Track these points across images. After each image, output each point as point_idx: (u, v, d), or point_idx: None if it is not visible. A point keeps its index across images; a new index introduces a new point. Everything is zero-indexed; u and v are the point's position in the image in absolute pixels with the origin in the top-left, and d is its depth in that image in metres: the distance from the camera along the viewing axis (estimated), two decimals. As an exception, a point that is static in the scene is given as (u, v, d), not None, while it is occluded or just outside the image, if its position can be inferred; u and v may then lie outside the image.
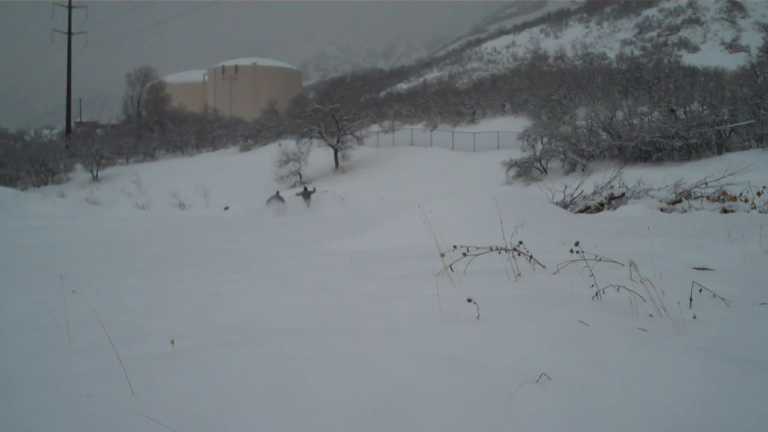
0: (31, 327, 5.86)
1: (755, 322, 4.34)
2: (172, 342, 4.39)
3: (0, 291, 8.42)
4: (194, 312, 6.07)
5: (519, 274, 6.15)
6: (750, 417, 3.05)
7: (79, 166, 70.70)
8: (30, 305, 7.13)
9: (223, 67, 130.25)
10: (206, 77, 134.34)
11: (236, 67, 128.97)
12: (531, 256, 6.59)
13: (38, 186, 66.26)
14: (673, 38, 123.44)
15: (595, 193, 21.09)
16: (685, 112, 41.66)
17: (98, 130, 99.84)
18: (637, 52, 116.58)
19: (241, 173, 59.45)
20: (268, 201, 34.69)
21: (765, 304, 4.73)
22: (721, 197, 18.09)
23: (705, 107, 40.98)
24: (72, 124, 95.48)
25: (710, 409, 3.13)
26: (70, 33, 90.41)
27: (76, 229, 19.36)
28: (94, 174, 67.74)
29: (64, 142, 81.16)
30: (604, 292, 5.04)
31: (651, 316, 4.51)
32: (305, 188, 35.87)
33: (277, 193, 36.57)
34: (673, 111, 42.20)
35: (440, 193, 19.87)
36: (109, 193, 53.91)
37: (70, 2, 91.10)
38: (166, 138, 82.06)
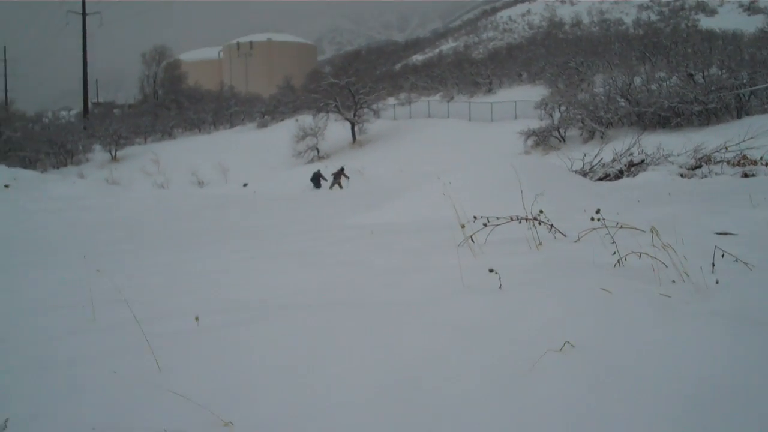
0: (56, 307, 5.91)
1: (778, 286, 4.32)
2: (197, 319, 4.42)
3: (24, 272, 8.49)
4: (216, 288, 6.10)
5: (540, 243, 6.13)
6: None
7: (97, 147, 70.93)
8: (54, 285, 7.18)
9: (238, 43, 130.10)
10: (221, 54, 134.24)
11: (251, 43, 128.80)
12: (552, 225, 6.58)
13: (57, 167, 66.51)
14: (690, 2, 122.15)
15: (614, 160, 20.96)
16: (703, 77, 41.30)
17: (115, 111, 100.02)
18: (654, 17, 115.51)
19: (258, 150, 59.46)
20: (312, 179, 34.87)
21: (788, 267, 4.70)
22: (742, 161, 17.93)
23: (724, 71, 40.59)
24: (89, 104, 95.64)
25: (734, 374, 3.12)
26: (84, 13, 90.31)
27: (96, 210, 19.46)
28: (113, 154, 67.95)
29: (82, 123, 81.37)
30: (626, 259, 5.02)
31: (673, 282, 4.49)
32: (317, 172, 35.79)
33: (319, 171, 36.51)
34: (691, 76, 41.85)
35: (458, 164, 19.80)
36: (128, 173, 54.09)
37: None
38: (183, 116, 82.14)
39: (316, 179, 35.71)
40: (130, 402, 3.39)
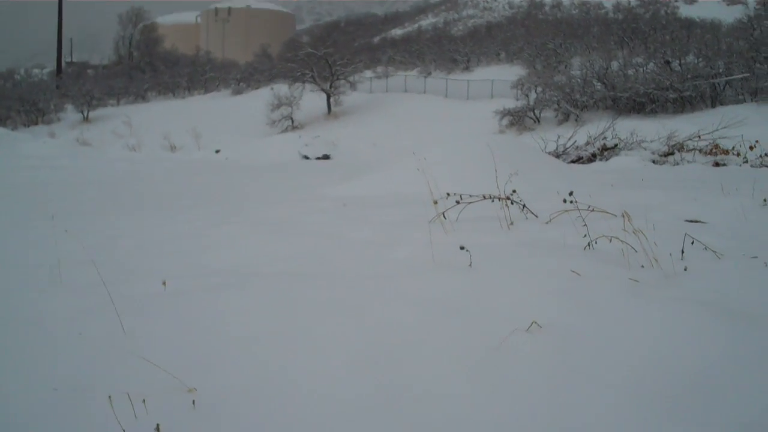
0: (23, 266, 5.86)
1: (746, 275, 4.37)
2: (164, 283, 4.40)
3: (-9, 230, 8.40)
4: (186, 254, 6.08)
5: (511, 223, 6.16)
6: (735, 362, 3.09)
7: (69, 107, 70.17)
8: (22, 244, 7.12)
9: (216, 8, 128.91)
10: (199, 19, 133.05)
11: (229, 9, 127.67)
12: (524, 205, 6.60)
13: (28, 126, 65.74)
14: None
15: (587, 143, 21.08)
16: (680, 64, 41.47)
17: (89, 71, 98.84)
18: (633, 3, 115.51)
19: (232, 117, 59.08)
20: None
21: (756, 257, 4.75)
22: (714, 150, 18.09)
23: (700, 60, 40.75)
24: (63, 63, 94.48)
25: (699, 359, 3.16)
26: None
27: (67, 170, 19.27)
28: (85, 115, 67.24)
29: (55, 82, 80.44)
30: (596, 243, 5.06)
31: (642, 267, 4.54)
32: (325, 155, 35.51)
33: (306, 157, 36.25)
34: (668, 63, 42.02)
35: (433, 140, 19.83)
36: (100, 135, 53.49)
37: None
38: (157, 80, 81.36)
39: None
40: (93, 364, 3.37)
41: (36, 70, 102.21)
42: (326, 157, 33.61)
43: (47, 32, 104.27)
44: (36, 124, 66.67)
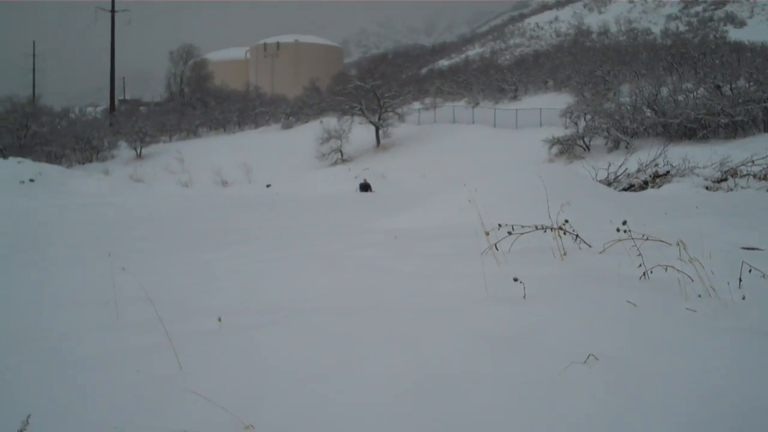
0: (81, 304, 5.95)
1: (807, 304, 4.28)
2: (219, 319, 4.43)
3: (50, 268, 8.54)
4: (239, 289, 6.12)
5: (565, 254, 6.11)
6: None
7: (123, 144, 71.22)
8: (79, 282, 7.23)
9: (265, 44, 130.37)
10: (248, 54, 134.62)
11: (278, 44, 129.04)
12: (577, 235, 6.55)
13: (83, 163, 66.83)
14: (719, 13, 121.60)
15: (639, 171, 20.89)
16: (731, 89, 41.03)
17: (142, 108, 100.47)
18: (682, 28, 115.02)
19: (282, 151, 59.59)
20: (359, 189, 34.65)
21: (817, 284, 4.65)
22: (768, 175, 17.81)
23: (752, 83, 40.28)
24: (116, 101, 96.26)
25: (759, 389, 3.10)
26: (113, 11, 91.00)
27: (121, 207, 19.56)
28: (138, 151, 68.25)
29: (108, 120, 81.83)
30: (651, 272, 4.99)
31: (700, 296, 4.46)
32: (365, 181, 35.33)
33: (365, 181, 36.18)
34: (718, 87, 41.58)
35: (482, 170, 19.82)
36: (153, 171, 54.30)
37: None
38: (208, 115, 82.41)
39: (365, 188, 35.29)
40: (151, 401, 3.40)
41: (90, 109, 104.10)
42: (367, 188, 33.55)
43: (101, 71, 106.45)
44: (90, 161, 67.74)
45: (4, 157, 41.59)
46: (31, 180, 26.19)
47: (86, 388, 3.61)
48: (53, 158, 61.59)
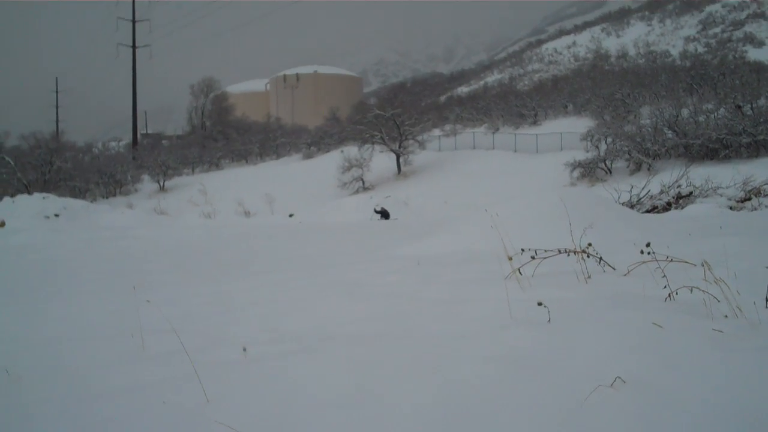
0: (106, 336, 5.97)
1: (835, 322, 4.24)
2: (244, 349, 4.44)
3: (75, 301, 8.59)
4: (264, 319, 6.13)
5: (589, 277, 6.09)
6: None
7: (146, 177, 71.90)
8: (104, 314, 7.26)
9: (285, 75, 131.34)
10: (268, 86, 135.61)
11: (297, 76, 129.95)
12: (600, 258, 6.53)
13: (107, 197, 67.41)
14: (738, 33, 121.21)
15: (662, 192, 20.81)
16: (752, 108, 40.88)
17: (164, 141, 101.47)
18: (701, 49, 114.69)
19: (304, 180, 59.85)
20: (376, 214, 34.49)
21: None
22: (793, 194, 17.70)
23: (773, 103, 40.15)
24: (138, 135, 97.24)
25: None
26: (134, 47, 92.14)
27: (145, 239, 19.65)
28: (161, 184, 68.82)
29: (131, 154, 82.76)
30: (677, 293, 4.97)
31: (726, 317, 4.43)
32: (383, 210, 35.12)
33: (382, 208, 36.01)
34: (739, 107, 41.43)
35: (504, 196, 19.84)
36: (176, 203, 54.64)
37: (134, 17, 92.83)
38: (230, 147, 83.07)
39: (383, 214, 35.06)
40: (178, 432, 3.41)
41: (113, 143, 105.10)
42: (384, 215, 33.34)
43: (123, 106, 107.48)
44: (114, 195, 68.32)
45: (29, 192, 42.03)
46: (56, 215, 26.43)
47: (112, 420, 3.62)
48: (77, 193, 62.20)
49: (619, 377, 3.44)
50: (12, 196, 32.83)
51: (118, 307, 7.57)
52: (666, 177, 22.49)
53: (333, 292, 7.14)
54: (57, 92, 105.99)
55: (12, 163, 61.31)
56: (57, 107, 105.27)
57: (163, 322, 5.59)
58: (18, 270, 13.21)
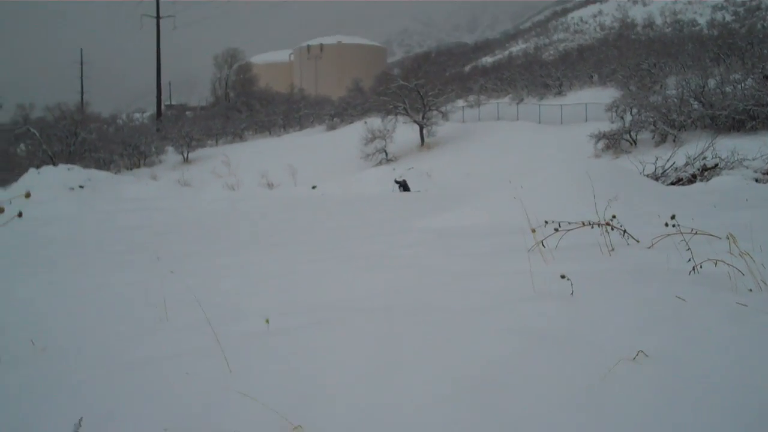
0: (132, 307, 6.02)
1: None
2: (267, 321, 4.45)
3: (100, 272, 8.66)
4: (286, 291, 6.15)
5: (612, 249, 6.05)
6: None
7: (170, 149, 72.01)
8: (128, 286, 7.31)
9: (309, 46, 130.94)
10: (292, 57, 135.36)
11: (321, 46, 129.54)
12: (624, 231, 6.47)
13: (131, 169, 67.65)
14: (767, 1, 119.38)
15: (687, 164, 20.61)
16: (780, 79, 40.32)
17: (188, 113, 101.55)
18: (728, 17, 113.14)
19: (327, 152, 59.82)
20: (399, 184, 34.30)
21: None
22: (821, 165, 17.48)
23: (801, 72, 39.57)
24: (162, 107, 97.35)
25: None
26: (158, 17, 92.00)
27: (169, 211, 19.76)
28: (185, 156, 68.98)
29: (155, 125, 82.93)
30: (701, 267, 4.91)
31: (750, 290, 4.38)
32: (403, 181, 34.80)
33: (402, 178, 35.76)
34: (767, 77, 40.87)
35: (528, 167, 19.74)
36: (200, 174, 54.75)
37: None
38: (253, 119, 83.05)
39: (403, 185, 34.76)
40: (201, 403, 3.43)
41: (137, 115, 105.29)
42: (404, 186, 33.07)
43: (147, 77, 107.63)
44: (138, 166, 68.53)
45: (55, 164, 42.24)
46: (81, 186, 26.54)
47: (136, 390, 3.65)
48: (102, 164, 62.40)
49: (642, 351, 3.41)
50: (37, 167, 32.92)
51: (142, 278, 7.62)
52: (691, 149, 22.23)
53: (353, 264, 7.15)
54: (82, 64, 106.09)
55: (37, 134, 61.64)
56: (82, 78, 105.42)
57: (186, 293, 5.63)
58: (43, 241, 13.32)
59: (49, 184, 25.48)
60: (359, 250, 8.49)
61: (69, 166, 31.40)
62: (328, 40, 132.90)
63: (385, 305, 5.00)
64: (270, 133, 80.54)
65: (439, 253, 7.34)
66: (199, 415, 3.32)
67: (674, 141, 38.02)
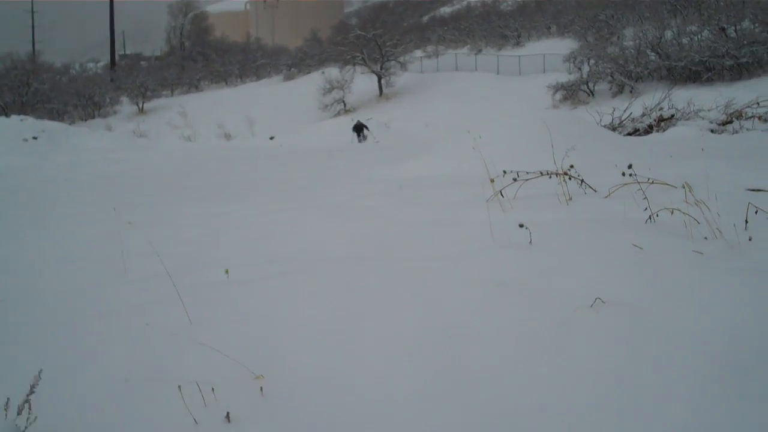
0: (90, 259, 5.97)
1: (813, 243, 4.27)
2: (226, 271, 4.44)
3: (57, 224, 8.56)
4: (247, 242, 6.13)
5: (570, 199, 6.09)
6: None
7: (125, 99, 70.87)
8: (87, 238, 7.25)
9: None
10: (248, 6, 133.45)
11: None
12: (582, 180, 6.53)
13: (85, 120, 66.46)
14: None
15: (643, 115, 20.70)
16: (735, 31, 40.54)
17: (142, 63, 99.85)
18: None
19: (285, 103, 59.31)
20: (354, 129, 33.93)
21: (823, 224, 4.64)
22: (774, 117, 17.66)
23: (756, 25, 39.78)
24: (116, 56, 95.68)
25: (766, 326, 3.11)
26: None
27: (125, 162, 19.56)
28: (140, 107, 68.01)
29: (109, 75, 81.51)
30: (657, 215, 4.98)
31: (706, 238, 4.46)
32: (359, 124, 34.29)
33: (360, 121, 35.05)
34: (723, 29, 41.09)
35: (486, 118, 19.77)
36: (156, 125, 54.10)
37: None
38: (209, 68, 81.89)
39: (359, 129, 34.37)
40: (161, 354, 3.43)
41: (90, 65, 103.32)
42: (361, 129, 32.58)
43: (100, 26, 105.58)
44: (93, 117, 67.36)
45: (7, 115, 41.41)
46: (35, 137, 26.07)
47: (96, 342, 3.64)
48: (55, 115, 61.23)
49: (599, 298, 3.46)
50: (-11, 118, 32.26)
51: (99, 231, 7.56)
52: (648, 100, 22.33)
53: (315, 215, 7.14)
54: (33, 12, 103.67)
55: (-12, 84, 60.37)
56: (33, 27, 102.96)
57: (145, 245, 5.59)
58: (-3, 193, 13.12)
59: (2, 135, 25.01)
60: (321, 200, 8.48)
61: (22, 116, 30.78)
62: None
63: (348, 255, 5.01)
64: (227, 84, 79.55)
65: (401, 203, 7.35)
66: (160, 365, 3.32)
67: (631, 92, 38.20)
